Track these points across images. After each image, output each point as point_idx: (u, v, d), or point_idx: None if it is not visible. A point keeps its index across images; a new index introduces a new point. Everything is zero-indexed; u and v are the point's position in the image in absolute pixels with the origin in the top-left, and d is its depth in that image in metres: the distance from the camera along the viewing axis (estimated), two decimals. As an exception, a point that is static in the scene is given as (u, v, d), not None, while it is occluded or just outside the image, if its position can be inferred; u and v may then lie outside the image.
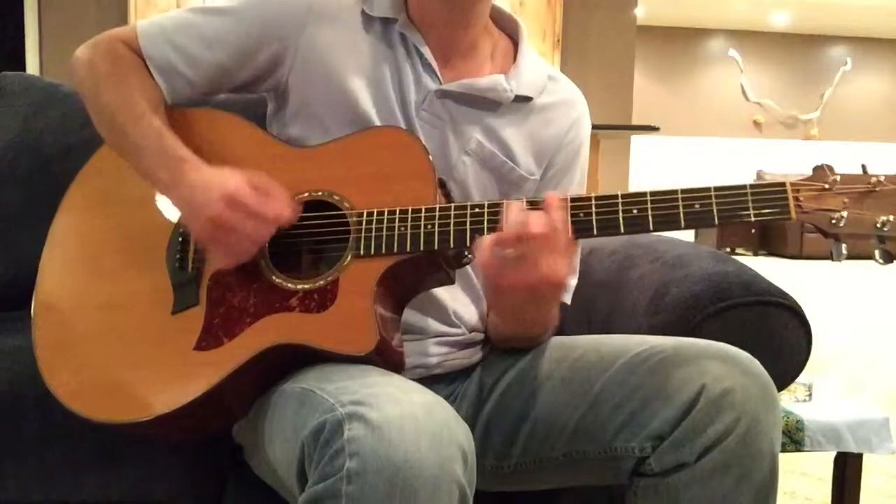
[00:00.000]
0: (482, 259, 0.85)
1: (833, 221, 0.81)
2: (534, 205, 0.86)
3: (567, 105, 1.10)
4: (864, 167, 0.84)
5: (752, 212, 0.81)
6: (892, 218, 0.80)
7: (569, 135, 1.09)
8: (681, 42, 10.21)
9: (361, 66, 1.01)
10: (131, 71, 1.01)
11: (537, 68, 1.08)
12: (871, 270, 7.75)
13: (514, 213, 0.84)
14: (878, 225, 0.80)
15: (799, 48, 10.44)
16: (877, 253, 0.82)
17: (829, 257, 0.87)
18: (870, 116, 10.60)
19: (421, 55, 1.02)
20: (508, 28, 1.10)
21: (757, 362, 0.88)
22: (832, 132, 10.21)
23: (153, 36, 1.02)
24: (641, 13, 7.64)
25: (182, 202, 0.93)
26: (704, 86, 10.34)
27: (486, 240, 0.84)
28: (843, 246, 0.84)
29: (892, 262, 0.83)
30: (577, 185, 1.12)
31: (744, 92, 10.38)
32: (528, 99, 1.06)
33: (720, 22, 9.98)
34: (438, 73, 1.02)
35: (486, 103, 1.04)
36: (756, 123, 10.41)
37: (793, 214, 0.81)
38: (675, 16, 9.68)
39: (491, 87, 1.03)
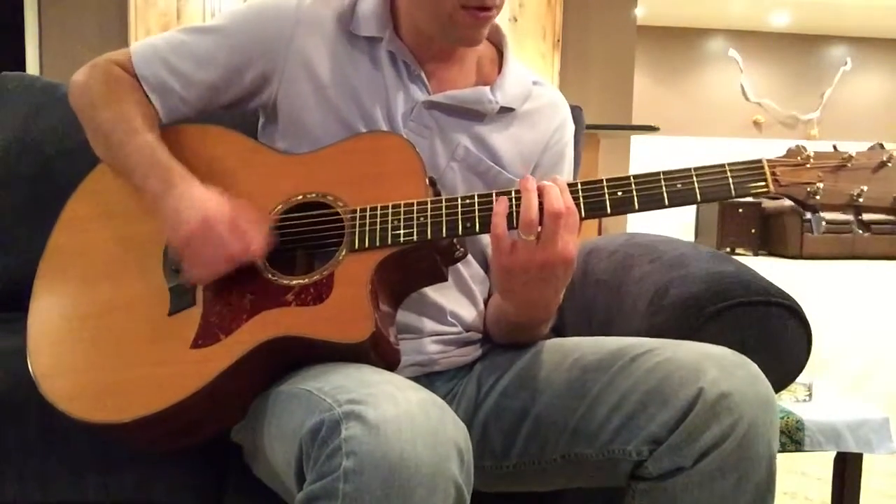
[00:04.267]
0: (497, 234, 0.87)
1: (810, 193, 0.86)
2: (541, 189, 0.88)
3: (552, 108, 1.13)
4: (834, 146, 0.89)
5: (732, 187, 0.86)
6: (865, 188, 0.85)
7: (554, 137, 1.12)
8: (681, 42, 10.21)
9: (348, 82, 1.04)
10: (126, 90, 1.04)
11: (522, 78, 1.11)
12: (871, 270, 7.76)
13: (534, 206, 0.86)
14: (854, 195, 0.85)
15: (799, 48, 10.45)
16: (854, 224, 0.88)
17: (811, 231, 0.93)
18: (870, 116, 10.61)
19: (409, 68, 1.04)
20: (494, 38, 1.13)
21: (754, 365, 0.88)
22: (832, 132, 10.21)
23: (146, 57, 1.05)
24: (641, 13, 7.64)
25: (166, 214, 0.95)
26: (704, 86, 10.34)
27: (501, 228, 0.87)
28: (822, 218, 0.88)
29: (869, 230, 0.87)
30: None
31: (744, 92, 10.38)
32: (512, 108, 1.08)
33: (720, 22, 9.98)
34: (427, 85, 1.04)
35: (472, 113, 1.06)
36: (756, 123, 10.42)
37: (770, 187, 0.86)
38: (675, 16, 9.68)
39: (476, 100, 1.05)
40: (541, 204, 0.86)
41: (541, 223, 0.86)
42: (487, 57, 1.11)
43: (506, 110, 1.08)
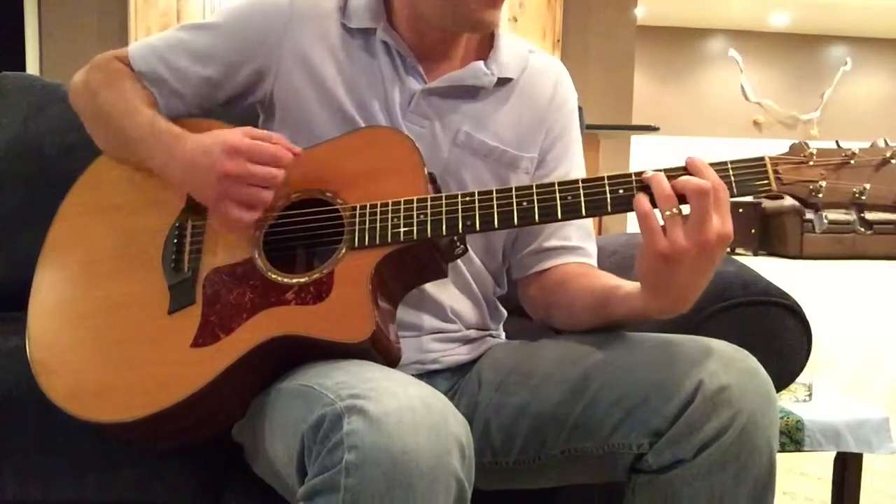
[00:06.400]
0: (644, 210, 0.82)
1: (812, 192, 0.85)
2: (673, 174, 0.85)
3: (548, 70, 1.12)
4: (837, 142, 0.88)
5: (734, 184, 0.85)
6: (867, 186, 0.84)
7: (556, 99, 1.11)
8: (681, 42, 10.22)
9: (344, 76, 1.03)
10: (126, 79, 1.05)
11: (516, 48, 1.10)
12: (871, 270, 7.76)
13: (665, 180, 0.83)
14: (856, 193, 0.84)
15: (799, 48, 10.46)
16: (856, 222, 0.87)
17: (811, 230, 0.91)
18: (870, 116, 10.61)
19: (404, 59, 1.04)
20: None
21: (754, 359, 0.88)
22: (832, 132, 10.21)
23: (144, 56, 1.06)
24: (641, 13, 7.64)
25: (185, 171, 0.95)
26: (704, 86, 10.35)
27: (646, 204, 0.83)
28: (824, 216, 0.87)
29: (871, 229, 0.86)
30: (577, 147, 1.14)
31: (744, 92, 10.39)
32: (510, 79, 1.07)
33: (720, 22, 9.99)
34: (423, 75, 1.04)
35: (469, 92, 1.05)
36: (756, 123, 10.43)
37: (773, 185, 0.85)
38: (675, 16, 9.69)
39: (473, 75, 1.04)
40: (681, 184, 0.82)
41: (685, 203, 0.82)
42: (478, 34, 1.09)
43: (503, 82, 1.07)
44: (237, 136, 0.92)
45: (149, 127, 0.99)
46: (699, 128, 10.15)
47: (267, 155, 0.91)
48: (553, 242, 1.08)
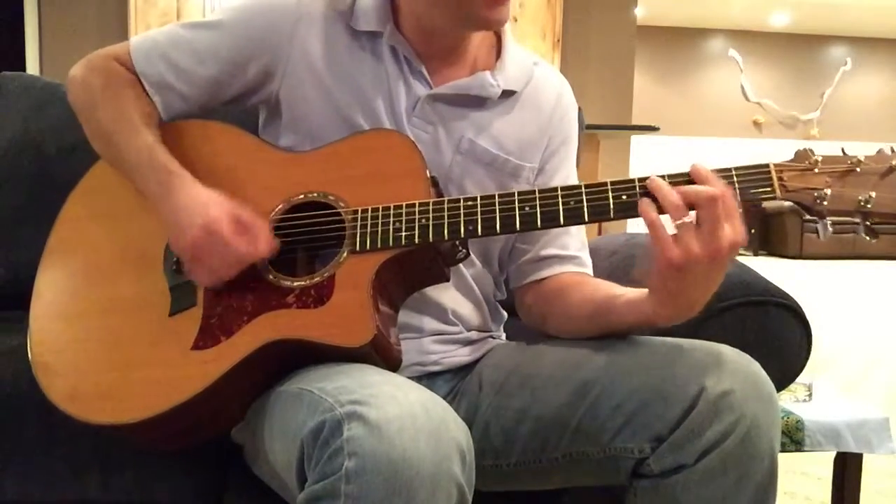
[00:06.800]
0: (652, 219, 0.82)
1: (817, 199, 0.84)
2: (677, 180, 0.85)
3: (552, 83, 1.13)
4: (843, 150, 0.86)
5: (738, 191, 0.84)
6: (873, 194, 0.83)
7: (558, 111, 1.12)
8: (681, 42, 10.21)
9: (350, 78, 1.03)
10: (125, 87, 1.03)
11: (522, 60, 1.10)
12: (871, 270, 7.75)
13: (670, 189, 0.82)
14: (861, 201, 0.83)
15: (799, 48, 10.45)
16: (861, 230, 0.85)
17: (816, 234, 0.89)
18: (870, 116, 10.61)
19: (410, 63, 1.03)
20: None
21: (756, 363, 0.88)
22: (832, 132, 10.21)
23: (146, 52, 1.04)
24: (641, 13, 7.64)
25: (167, 219, 0.94)
26: (704, 86, 10.34)
27: (653, 213, 0.83)
28: (829, 223, 0.86)
29: (876, 237, 0.85)
30: (574, 157, 1.15)
31: (744, 92, 10.38)
32: (514, 91, 1.08)
33: (720, 22, 9.98)
34: (429, 80, 1.04)
35: (474, 101, 1.05)
36: (756, 123, 10.41)
37: (778, 192, 0.84)
38: (675, 16, 9.68)
39: (479, 85, 1.04)
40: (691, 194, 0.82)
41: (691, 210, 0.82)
42: (486, 44, 1.10)
43: (508, 94, 1.07)
44: (219, 214, 0.90)
45: (147, 156, 0.97)
46: (699, 128, 10.14)
47: (234, 248, 0.90)
48: (551, 251, 1.09)
